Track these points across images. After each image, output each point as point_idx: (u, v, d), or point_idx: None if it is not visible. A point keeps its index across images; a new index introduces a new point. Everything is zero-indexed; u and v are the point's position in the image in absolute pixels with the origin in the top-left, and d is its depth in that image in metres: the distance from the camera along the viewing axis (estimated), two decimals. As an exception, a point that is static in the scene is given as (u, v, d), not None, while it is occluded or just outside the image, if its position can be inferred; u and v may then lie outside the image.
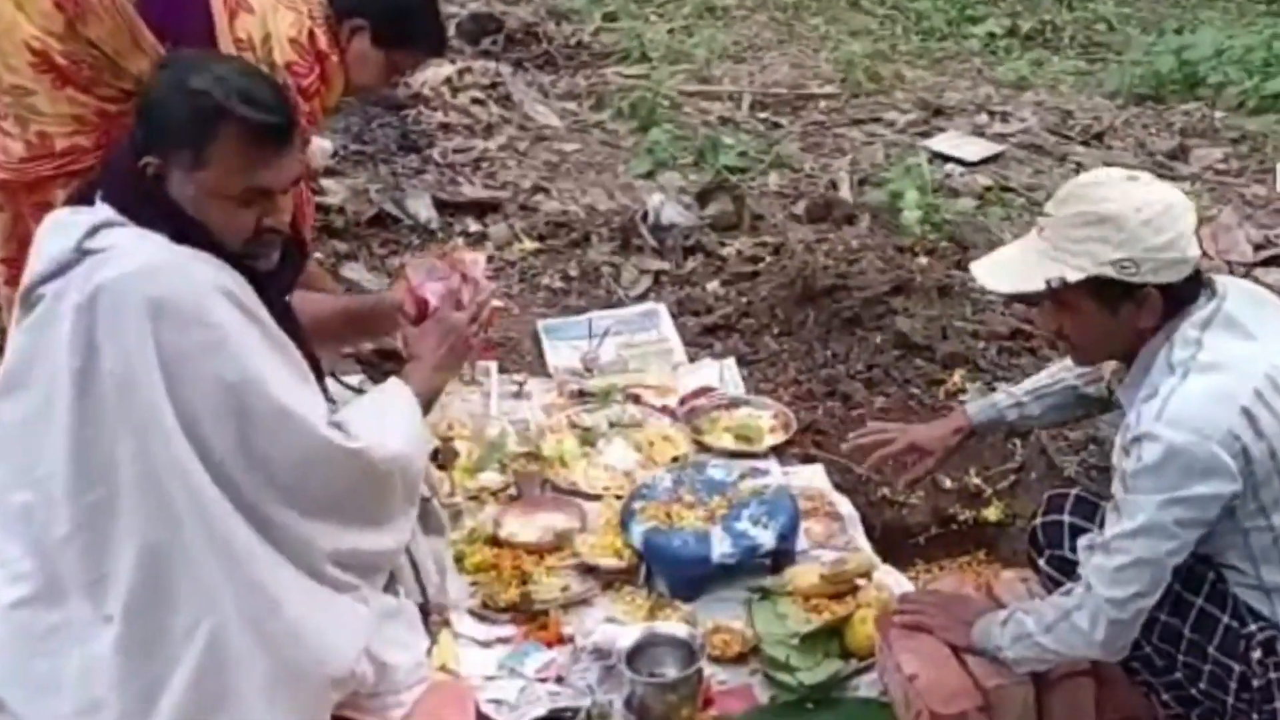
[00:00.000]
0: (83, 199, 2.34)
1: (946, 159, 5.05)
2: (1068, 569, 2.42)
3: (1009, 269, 2.31)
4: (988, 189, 4.78)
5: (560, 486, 3.24)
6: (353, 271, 4.32)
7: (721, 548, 2.84)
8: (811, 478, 3.28)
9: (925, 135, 5.34)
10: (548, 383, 3.71)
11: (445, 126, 5.37)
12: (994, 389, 3.52)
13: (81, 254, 2.20)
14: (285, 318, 2.43)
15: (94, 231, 2.21)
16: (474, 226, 4.62)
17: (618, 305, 4.15)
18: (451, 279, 2.74)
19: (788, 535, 2.89)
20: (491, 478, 3.27)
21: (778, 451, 3.38)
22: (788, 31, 6.75)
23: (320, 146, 3.80)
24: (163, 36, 3.11)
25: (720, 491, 3.01)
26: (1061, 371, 2.68)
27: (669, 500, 2.99)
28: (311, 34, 3.21)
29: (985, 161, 5.03)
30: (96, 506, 2.17)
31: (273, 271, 2.37)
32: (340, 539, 2.34)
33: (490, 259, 4.44)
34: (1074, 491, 2.59)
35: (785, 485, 3.04)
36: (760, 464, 3.29)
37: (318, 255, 4.40)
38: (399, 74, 3.51)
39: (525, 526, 3.06)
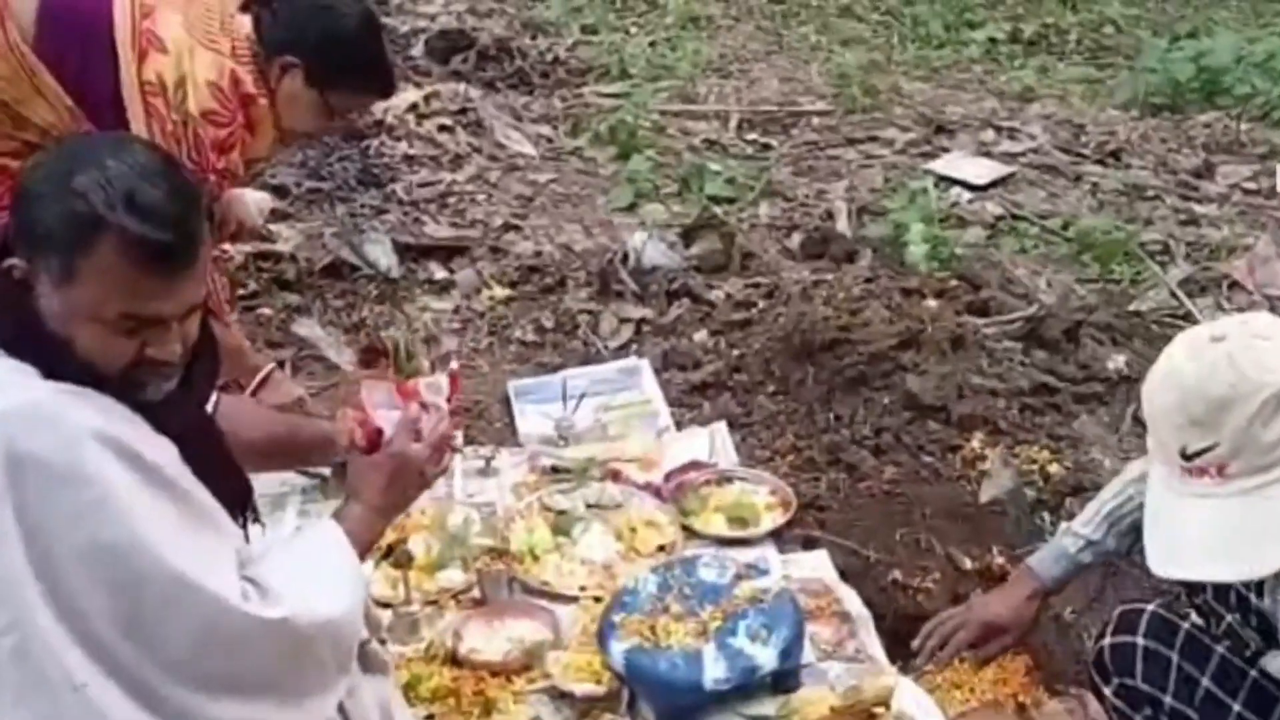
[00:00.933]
0: None
1: (952, 182, 4.65)
2: (1138, 701, 2.09)
3: (1216, 547, 1.78)
4: (999, 218, 4.39)
5: (530, 586, 2.84)
6: (305, 328, 3.93)
7: (715, 671, 2.44)
8: (815, 567, 2.89)
9: (928, 156, 4.95)
10: (518, 455, 3.31)
11: (410, 158, 4.98)
12: (1016, 455, 3.14)
13: None
14: (197, 439, 1.98)
15: None
16: (439, 273, 4.23)
17: (596, 359, 3.78)
18: (410, 407, 2.32)
19: (791, 651, 2.49)
20: (453, 577, 2.88)
21: (776, 535, 2.99)
22: (776, 42, 6.36)
23: (255, 200, 3.40)
24: (63, 81, 2.78)
25: (713, 598, 2.61)
26: (1128, 487, 2.29)
27: (654, 611, 2.59)
28: (234, 76, 2.85)
29: (994, 185, 4.63)
30: None
31: (168, 400, 1.90)
32: (250, 716, 1.92)
33: (456, 310, 4.07)
34: (1150, 608, 2.21)
35: (787, 588, 2.64)
36: (756, 552, 2.91)
37: (266, 310, 4.03)
38: (340, 117, 3.11)
39: (489, 640, 2.66)
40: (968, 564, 2.94)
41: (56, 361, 1.80)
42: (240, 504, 2.11)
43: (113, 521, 1.75)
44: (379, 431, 2.33)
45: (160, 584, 1.79)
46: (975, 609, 2.53)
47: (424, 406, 2.32)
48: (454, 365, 2.88)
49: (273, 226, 4.30)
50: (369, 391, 2.39)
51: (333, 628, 2.01)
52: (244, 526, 2.12)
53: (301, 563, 2.07)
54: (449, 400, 2.69)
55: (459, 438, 2.45)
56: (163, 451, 1.85)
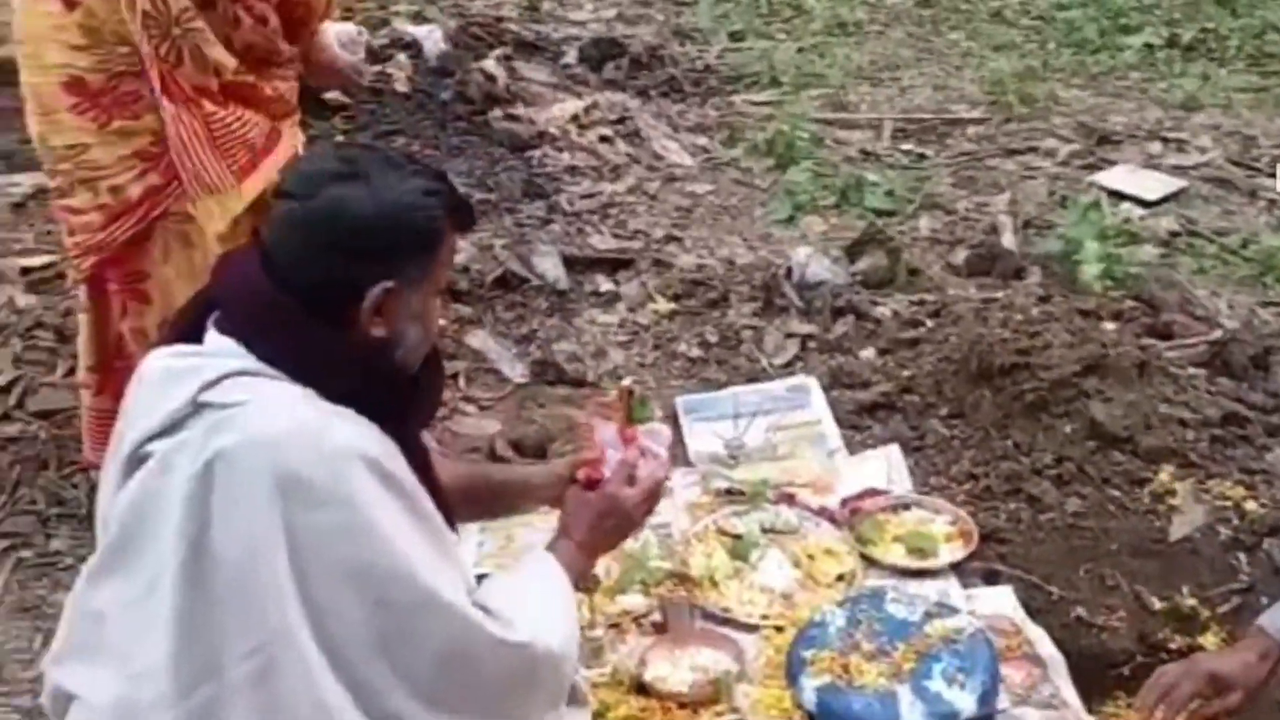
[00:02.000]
0: (184, 334, 1.90)
1: (1120, 197, 4.43)
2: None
3: None
4: (1173, 235, 4.17)
5: (711, 613, 2.74)
6: (477, 339, 3.87)
7: (912, 715, 2.34)
8: (999, 603, 2.74)
9: (1091, 168, 4.73)
10: (690, 474, 3.21)
11: (572, 169, 4.89)
12: (1207, 490, 2.97)
13: (198, 408, 1.77)
14: (425, 469, 1.98)
15: (218, 381, 1.78)
16: (605, 285, 4.14)
17: (761, 376, 3.65)
18: (629, 451, 2.24)
19: (989, 696, 2.37)
20: (634, 601, 2.78)
21: (956, 567, 2.85)
22: (926, 48, 6.15)
23: (337, 32, 3.16)
24: None
25: (905, 636, 2.49)
26: None
27: (844, 647, 2.48)
28: None
29: (1165, 200, 4.40)
30: (202, 709, 1.76)
31: (410, 413, 1.95)
32: None
33: (622, 324, 3.98)
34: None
35: (981, 629, 2.50)
36: (938, 585, 2.78)
37: (440, 321, 3.97)
38: None
39: (675, 669, 2.56)
40: (1156, 604, 2.78)
41: (339, 374, 1.83)
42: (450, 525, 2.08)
43: (373, 542, 1.78)
44: (595, 469, 2.27)
45: (415, 603, 1.81)
46: (1201, 662, 2.35)
47: (643, 452, 2.25)
48: (626, 382, 2.78)
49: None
50: (598, 430, 2.32)
51: (556, 659, 2.01)
52: None
53: (527, 592, 2.05)
54: (625, 419, 2.59)
55: (671, 485, 2.36)
56: (404, 466, 1.86)
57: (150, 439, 1.80)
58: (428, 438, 2.28)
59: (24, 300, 3.53)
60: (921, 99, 5.54)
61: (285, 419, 1.76)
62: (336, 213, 1.82)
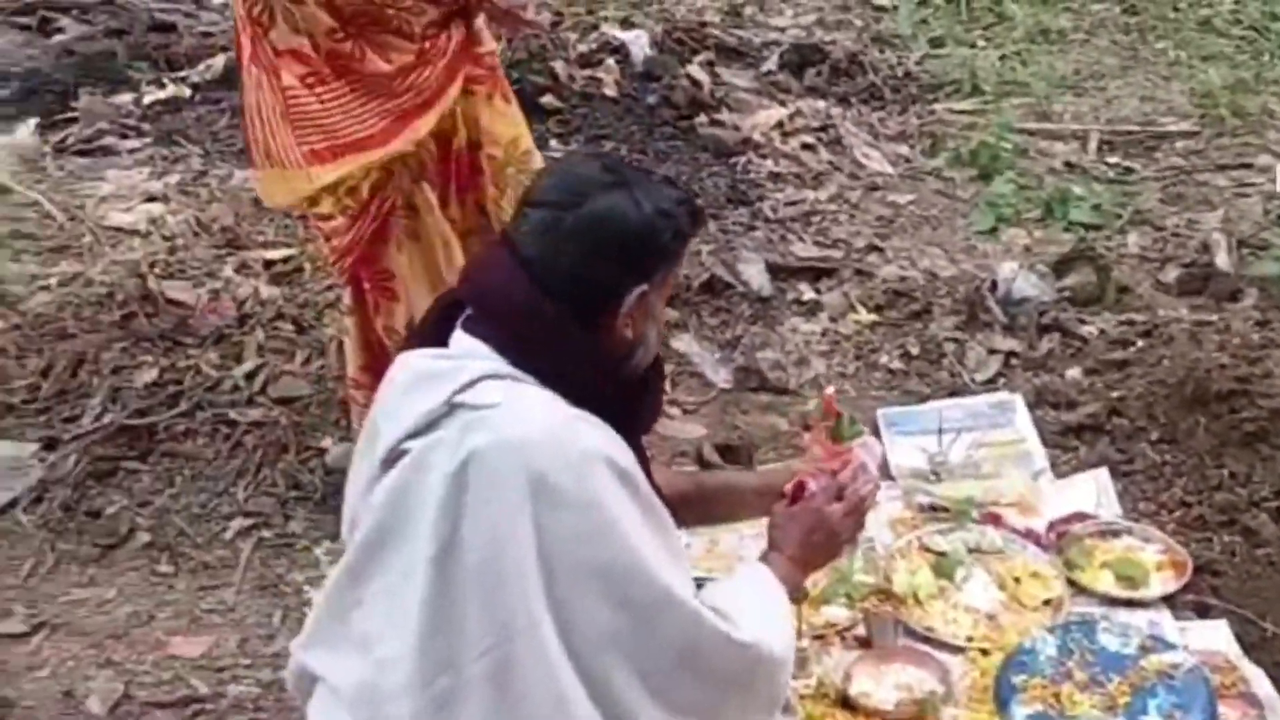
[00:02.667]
0: (432, 337, 1.94)
1: (1343, 218, 4.23)
2: None
3: None
4: (1401, 259, 3.95)
5: (916, 631, 2.69)
6: (683, 343, 3.87)
7: (1127, 752, 2.26)
8: (1214, 638, 2.63)
9: (1310, 187, 4.50)
10: (893, 489, 3.15)
11: (775, 176, 4.85)
12: None
13: (452, 408, 1.81)
14: (646, 471, 1.99)
15: (470, 384, 1.82)
16: (807, 294, 4.09)
17: (963, 391, 3.57)
18: (840, 468, 2.21)
19: (1205, 736, 2.28)
20: (838, 613, 2.76)
21: (1168, 599, 2.75)
22: (1132, 57, 5.91)
23: None
24: None
25: (1119, 669, 2.42)
26: None
27: (1056, 676, 2.42)
28: None
29: (1389, 222, 4.18)
30: (440, 699, 1.80)
31: (641, 413, 2.01)
32: None
33: (824, 333, 3.94)
34: None
35: (1199, 665, 2.41)
36: (1148, 615, 2.68)
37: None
38: None
39: (879, 685, 2.54)
40: (1384, 642, 2.65)
41: (585, 380, 1.87)
42: None
43: (616, 543, 1.81)
44: (802, 484, 2.24)
45: (654, 602, 1.83)
46: None
47: (855, 469, 2.21)
48: (829, 390, 2.74)
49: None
50: (811, 446, 2.30)
51: (777, 665, 2.01)
52: None
53: (749, 596, 2.05)
54: (826, 428, 2.54)
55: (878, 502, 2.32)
56: (639, 469, 1.89)
57: (407, 437, 1.84)
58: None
59: (267, 291, 3.65)
60: (1128, 110, 5.33)
61: (536, 422, 1.80)
62: (605, 220, 1.87)
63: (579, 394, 1.85)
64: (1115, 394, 3.36)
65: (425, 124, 2.77)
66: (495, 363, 1.84)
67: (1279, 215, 4.28)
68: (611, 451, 1.83)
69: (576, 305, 1.86)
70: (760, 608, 2.02)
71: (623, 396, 1.92)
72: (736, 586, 2.08)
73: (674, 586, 1.85)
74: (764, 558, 2.17)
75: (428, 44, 2.73)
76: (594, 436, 1.83)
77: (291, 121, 2.70)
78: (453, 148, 2.90)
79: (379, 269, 2.87)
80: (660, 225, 1.89)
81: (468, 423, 1.79)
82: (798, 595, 2.61)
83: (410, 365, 1.92)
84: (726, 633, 1.90)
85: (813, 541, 2.17)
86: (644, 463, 1.97)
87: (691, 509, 2.36)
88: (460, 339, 1.89)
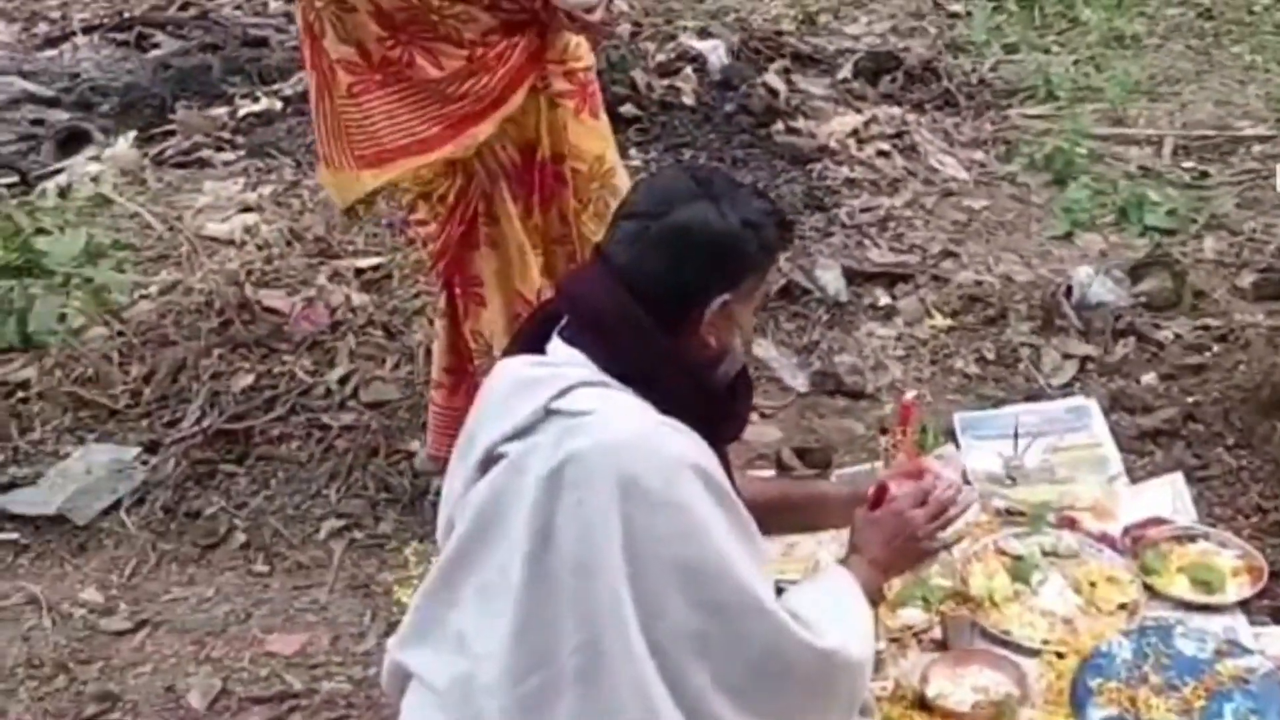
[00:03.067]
0: (530, 344, 1.98)
1: None
2: None
3: None
4: None
5: (992, 634, 2.68)
6: (761, 349, 3.87)
7: (1203, 755, 2.23)
8: (1289, 644, 2.60)
9: (1387, 190, 4.42)
10: (969, 493, 3.12)
11: (851, 182, 4.83)
12: None
13: (549, 414, 1.85)
14: (730, 478, 2.01)
15: (568, 391, 1.86)
16: (883, 299, 4.08)
17: (1038, 395, 3.54)
18: (926, 478, 2.22)
19: (1281, 741, 2.25)
20: (914, 615, 2.74)
21: (1243, 604, 2.71)
22: (1207, 61, 5.82)
23: None
24: None
25: (1195, 673, 2.39)
26: None
27: (1131, 679, 2.40)
28: None
29: None
30: (532, 696, 1.83)
31: (729, 418, 2.03)
32: None
33: (899, 337, 3.92)
34: None
35: (1275, 670, 2.38)
36: (1224, 620, 2.65)
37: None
38: None
39: (956, 687, 2.53)
40: None
41: (673, 389, 1.89)
42: None
43: (702, 545, 1.82)
44: (884, 489, 2.25)
45: (738, 605, 1.85)
46: None
47: (936, 477, 2.22)
48: (909, 395, 2.73)
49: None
50: (895, 454, 2.31)
51: (856, 670, 2.02)
52: None
53: (829, 602, 2.06)
54: (903, 433, 2.55)
55: (969, 511, 2.30)
56: (725, 477, 1.92)
57: (504, 441, 1.88)
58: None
59: (358, 299, 3.71)
60: (1203, 114, 5.25)
61: (629, 427, 1.83)
62: (690, 228, 1.90)
63: (667, 401, 1.88)
64: (1191, 399, 3.32)
65: (482, 131, 2.77)
66: (589, 370, 1.88)
67: (1357, 219, 4.21)
68: (699, 458, 1.86)
69: (662, 312, 1.88)
70: (841, 613, 2.03)
71: (710, 405, 1.94)
72: (818, 592, 2.09)
73: (758, 591, 1.87)
74: (845, 561, 2.18)
75: (481, 50, 2.72)
76: (683, 442, 1.85)
77: (342, 132, 2.75)
78: (536, 158, 2.91)
79: (470, 274, 2.91)
80: (744, 236, 1.91)
81: (564, 429, 1.82)
82: (876, 599, 2.64)
83: (509, 372, 1.96)
84: (808, 640, 1.91)
85: (894, 546, 2.18)
86: (729, 470, 1.99)
87: (777, 516, 2.37)
88: (557, 347, 1.93)
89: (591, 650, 1.79)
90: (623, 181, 3.00)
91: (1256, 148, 4.89)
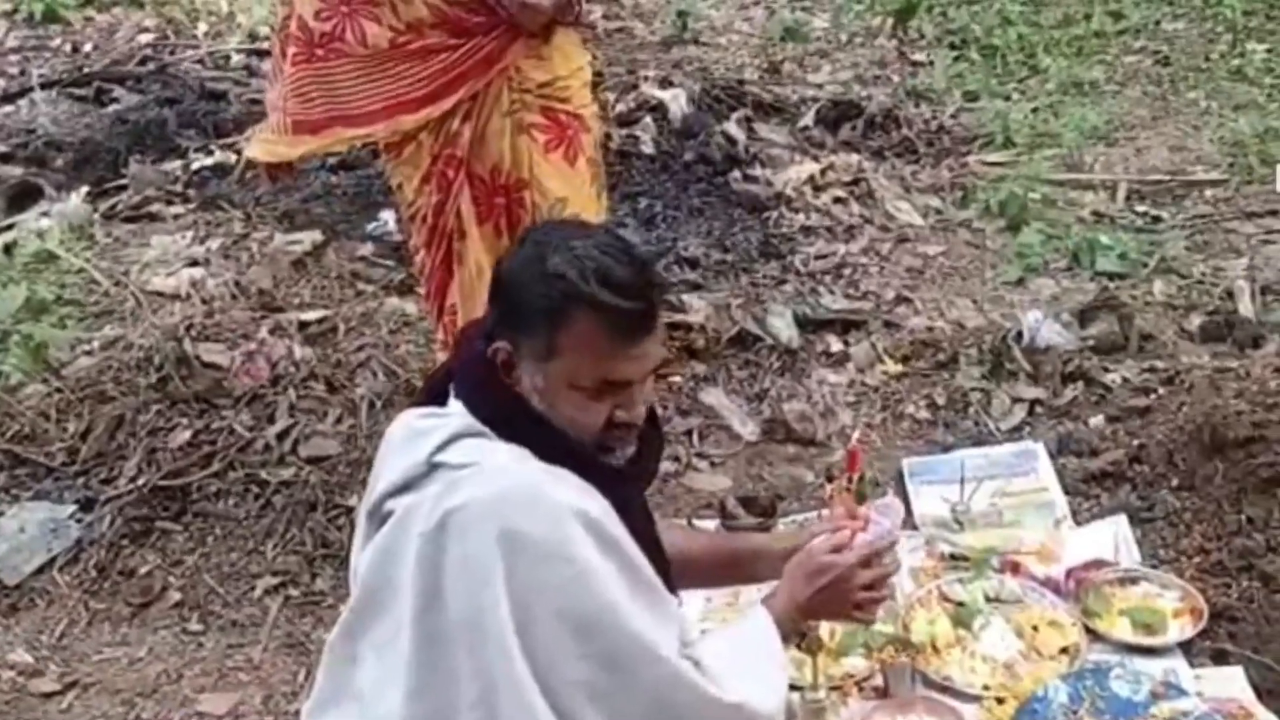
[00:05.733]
0: (434, 394, 1.99)
1: (1366, 264, 4.18)
2: None
3: None
4: None
5: (932, 680, 2.68)
6: (712, 396, 3.89)
7: (1135, 800, 2.23)
8: (1229, 685, 2.59)
9: (1336, 233, 4.46)
10: (915, 538, 3.14)
11: (807, 229, 4.87)
12: None
13: (432, 468, 1.85)
14: (638, 518, 2.02)
15: (450, 443, 1.86)
16: (836, 345, 4.10)
17: (988, 440, 3.56)
18: (857, 523, 2.22)
19: (1214, 784, 2.25)
20: (856, 664, 2.75)
21: (1185, 645, 2.71)
22: (1163, 107, 5.89)
23: None
24: None
25: (1129, 716, 2.38)
26: None
27: (1066, 724, 2.39)
28: None
29: None
30: None
31: (626, 473, 1.97)
32: None
33: (851, 384, 3.94)
34: None
35: (1209, 713, 2.38)
36: (1165, 663, 2.65)
37: (677, 378, 4.00)
38: None
39: (895, 735, 2.52)
40: (1400, 689, 2.59)
41: (537, 436, 1.87)
42: (668, 586, 2.08)
43: (588, 595, 1.81)
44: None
45: (629, 655, 1.84)
46: None
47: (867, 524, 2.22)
48: (855, 439, 2.73)
49: (685, 297, 4.30)
50: (833, 503, 2.31)
51: None
52: None
53: (741, 649, 2.05)
54: (850, 479, 2.55)
55: (895, 559, 2.29)
56: (618, 525, 1.89)
57: (391, 495, 1.88)
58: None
59: (300, 352, 3.71)
60: (1157, 160, 5.30)
61: (508, 479, 1.83)
62: (507, 274, 1.92)
63: (537, 449, 1.87)
64: (1136, 441, 3.33)
65: (408, 120, 2.87)
66: (471, 421, 1.88)
67: (1305, 262, 4.25)
68: (584, 506, 1.84)
69: (499, 360, 1.90)
70: (752, 663, 2.02)
71: (573, 456, 1.89)
72: (731, 640, 2.09)
73: (647, 639, 1.85)
74: (768, 599, 2.16)
75: (408, 38, 2.81)
76: (565, 492, 1.84)
77: (286, 89, 2.89)
78: (501, 179, 2.96)
79: (449, 304, 3.00)
80: (521, 288, 1.87)
81: (447, 483, 1.82)
82: (810, 644, 2.62)
83: (402, 423, 1.97)
84: (705, 690, 1.89)
85: (818, 585, 2.15)
86: (642, 522, 1.99)
87: (714, 569, 2.41)
88: (452, 397, 1.93)
89: (488, 706, 1.78)
90: None
91: (1209, 192, 4.94)
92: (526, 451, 1.87)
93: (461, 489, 1.81)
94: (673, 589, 2.11)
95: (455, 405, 1.92)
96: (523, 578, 1.78)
